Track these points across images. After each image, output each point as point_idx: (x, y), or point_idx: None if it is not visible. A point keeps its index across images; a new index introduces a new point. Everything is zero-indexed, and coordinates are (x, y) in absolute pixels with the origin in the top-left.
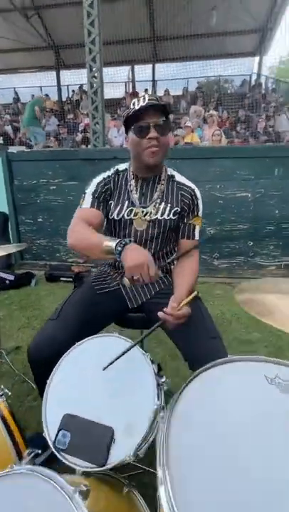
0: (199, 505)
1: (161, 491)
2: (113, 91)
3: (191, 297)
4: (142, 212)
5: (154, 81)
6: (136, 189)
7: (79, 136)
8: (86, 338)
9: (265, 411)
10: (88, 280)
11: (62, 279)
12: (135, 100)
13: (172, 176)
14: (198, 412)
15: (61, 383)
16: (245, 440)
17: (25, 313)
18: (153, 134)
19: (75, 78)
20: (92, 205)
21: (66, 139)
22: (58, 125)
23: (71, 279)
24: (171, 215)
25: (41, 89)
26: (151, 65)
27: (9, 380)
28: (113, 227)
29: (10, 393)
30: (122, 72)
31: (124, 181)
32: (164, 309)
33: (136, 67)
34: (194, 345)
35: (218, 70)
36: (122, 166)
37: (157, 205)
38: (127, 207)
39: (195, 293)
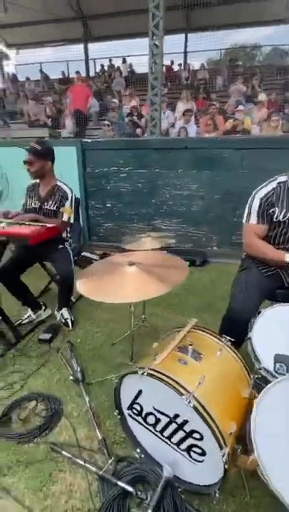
0: None
1: None
2: (138, 64)
3: None
4: None
5: (185, 53)
6: None
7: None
8: (275, 305)
9: None
10: (254, 266)
11: None
12: None
13: None
14: None
15: (263, 334)
16: None
17: None
18: None
19: (103, 52)
20: (258, 222)
21: (117, 123)
22: (105, 109)
23: None
24: None
25: (67, 64)
26: (184, 34)
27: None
28: (278, 226)
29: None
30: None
31: (286, 191)
32: None
33: (165, 37)
34: None
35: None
36: (281, 178)
37: None
38: None
39: None
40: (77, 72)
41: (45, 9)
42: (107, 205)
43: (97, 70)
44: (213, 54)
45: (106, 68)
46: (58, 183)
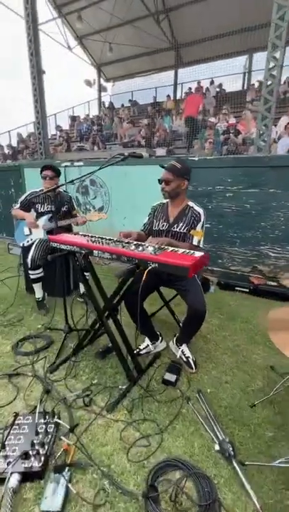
0: None
1: None
2: (227, 83)
3: None
4: None
5: (281, 66)
6: None
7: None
8: None
9: None
10: None
11: (237, 288)
12: None
13: None
14: None
15: None
16: None
17: (236, 324)
18: None
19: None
20: None
21: (216, 142)
22: (196, 128)
23: (247, 290)
24: None
25: (156, 90)
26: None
27: None
28: None
29: None
30: (236, 62)
31: None
32: None
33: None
34: None
35: None
36: None
37: None
38: None
39: None
40: (168, 96)
41: (143, 44)
42: (206, 225)
43: (182, 94)
44: None
45: (193, 91)
46: (190, 204)
